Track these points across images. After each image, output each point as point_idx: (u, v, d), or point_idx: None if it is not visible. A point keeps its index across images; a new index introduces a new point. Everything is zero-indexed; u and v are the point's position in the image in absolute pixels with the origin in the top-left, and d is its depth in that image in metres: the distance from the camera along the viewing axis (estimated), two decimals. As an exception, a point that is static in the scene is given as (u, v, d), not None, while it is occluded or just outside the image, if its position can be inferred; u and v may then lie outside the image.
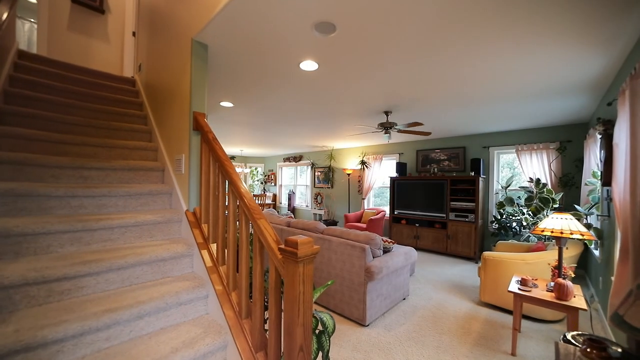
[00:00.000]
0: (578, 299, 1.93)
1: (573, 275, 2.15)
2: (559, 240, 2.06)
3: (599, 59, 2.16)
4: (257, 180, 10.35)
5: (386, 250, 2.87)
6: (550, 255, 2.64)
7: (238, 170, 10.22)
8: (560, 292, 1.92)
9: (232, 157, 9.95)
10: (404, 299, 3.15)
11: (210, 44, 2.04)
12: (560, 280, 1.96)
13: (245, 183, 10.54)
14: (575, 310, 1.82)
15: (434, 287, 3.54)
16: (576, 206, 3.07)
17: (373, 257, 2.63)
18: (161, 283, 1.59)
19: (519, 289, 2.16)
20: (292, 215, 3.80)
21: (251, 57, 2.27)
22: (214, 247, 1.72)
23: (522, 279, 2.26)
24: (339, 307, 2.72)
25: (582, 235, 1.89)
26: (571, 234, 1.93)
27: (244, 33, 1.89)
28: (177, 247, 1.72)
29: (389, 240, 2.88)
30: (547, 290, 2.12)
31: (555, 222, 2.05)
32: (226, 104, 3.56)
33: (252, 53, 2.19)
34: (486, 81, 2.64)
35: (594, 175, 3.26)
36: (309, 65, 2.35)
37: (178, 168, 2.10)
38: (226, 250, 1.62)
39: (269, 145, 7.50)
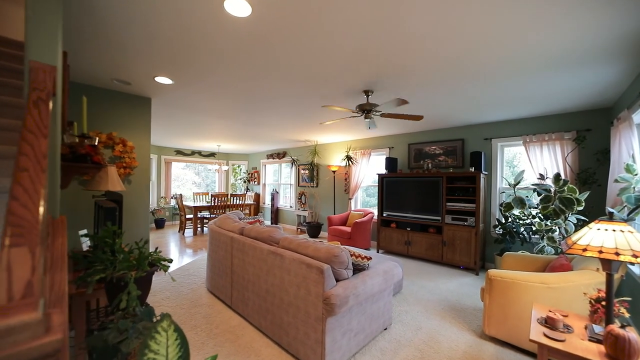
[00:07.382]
0: (645, 361, 1.21)
1: (627, 315, 1.43)
2: (609, 264, 1.34)
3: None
4: (240, 179, 9.59)
5: (359, 269, 2.15)
6: (581, 279, 1.93)
7: (213, 167, 9.42)
8: (618, 349, 1.20)
9: (213, 154, 9.19)
10: (385, 329, 2.43)
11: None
12: (616, 329, 1.24)
13: (227, 182, 9.77)
14: (648, 385, 1.10)
15: (425, 310, 2.82)
16: (611, 209, 2.34)
17: (337, 281, 1.91)
18: None
19: (544, 334, 1.44)
20: (262, 220, 3.09)
21: (151, -8, 1.54)
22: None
23: (547, 317, 1.54)
24: (293, 346, 2.00)
25: (656, 259, 1.17)
26: (634, 256, 1.21)
27: None
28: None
29: (363, 255, 2.15)
30: (589, 339, 1.40)
31: (605, 235, 1.33)
32: (163, 79, 2.81)
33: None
34: (486, 43, 1.92)
35: (628, 169, 2.54)
36: (237, 5, 1.62)
37: (24, 153, 1.36)
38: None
39: (246, 139, 6.74)
